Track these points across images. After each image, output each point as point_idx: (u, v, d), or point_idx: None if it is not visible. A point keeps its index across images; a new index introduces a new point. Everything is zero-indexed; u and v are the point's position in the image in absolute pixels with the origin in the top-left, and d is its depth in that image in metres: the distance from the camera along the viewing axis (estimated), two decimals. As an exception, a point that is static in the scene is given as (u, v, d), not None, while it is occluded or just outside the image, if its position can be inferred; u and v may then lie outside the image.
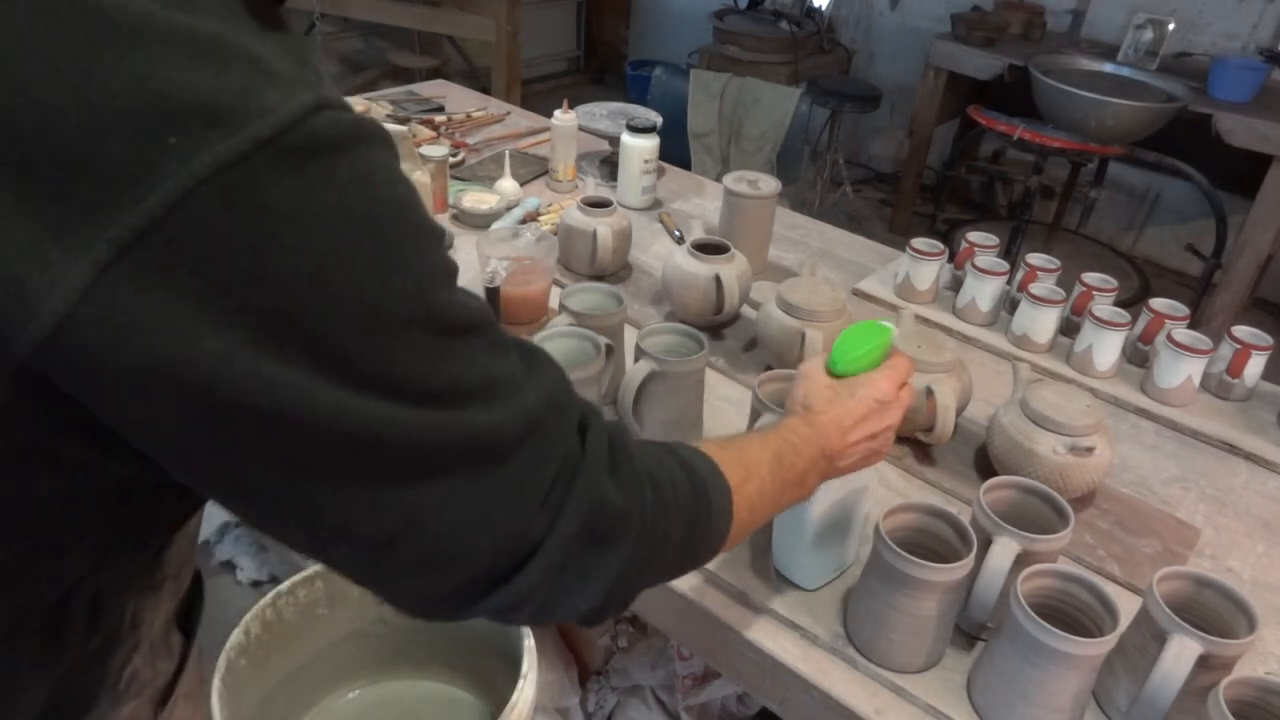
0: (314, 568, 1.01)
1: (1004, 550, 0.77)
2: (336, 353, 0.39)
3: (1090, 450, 0.94)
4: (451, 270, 0.46)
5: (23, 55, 0.34)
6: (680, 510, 0.56)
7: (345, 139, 0.39)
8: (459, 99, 2.08)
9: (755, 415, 0.92)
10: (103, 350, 0.35)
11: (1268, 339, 1.19)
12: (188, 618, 0.67)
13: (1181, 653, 0.69)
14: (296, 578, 0.97)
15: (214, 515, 1.67)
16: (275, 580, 1.54)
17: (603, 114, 1.81)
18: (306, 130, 0.37)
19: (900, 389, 0.78)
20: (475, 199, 1.53)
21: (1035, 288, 1.26)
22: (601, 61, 5.22)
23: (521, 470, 0.47)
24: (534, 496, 0.47)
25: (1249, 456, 1.13)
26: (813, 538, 0.83)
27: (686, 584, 0.88)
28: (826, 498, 0.82)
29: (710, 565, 0.89)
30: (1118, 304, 1.25)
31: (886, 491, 1.01)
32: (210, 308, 0.36)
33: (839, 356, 0.77)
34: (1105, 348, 1.21)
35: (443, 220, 1.52)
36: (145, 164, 0.34)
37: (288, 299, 0.37)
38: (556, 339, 1.01)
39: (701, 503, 0.58)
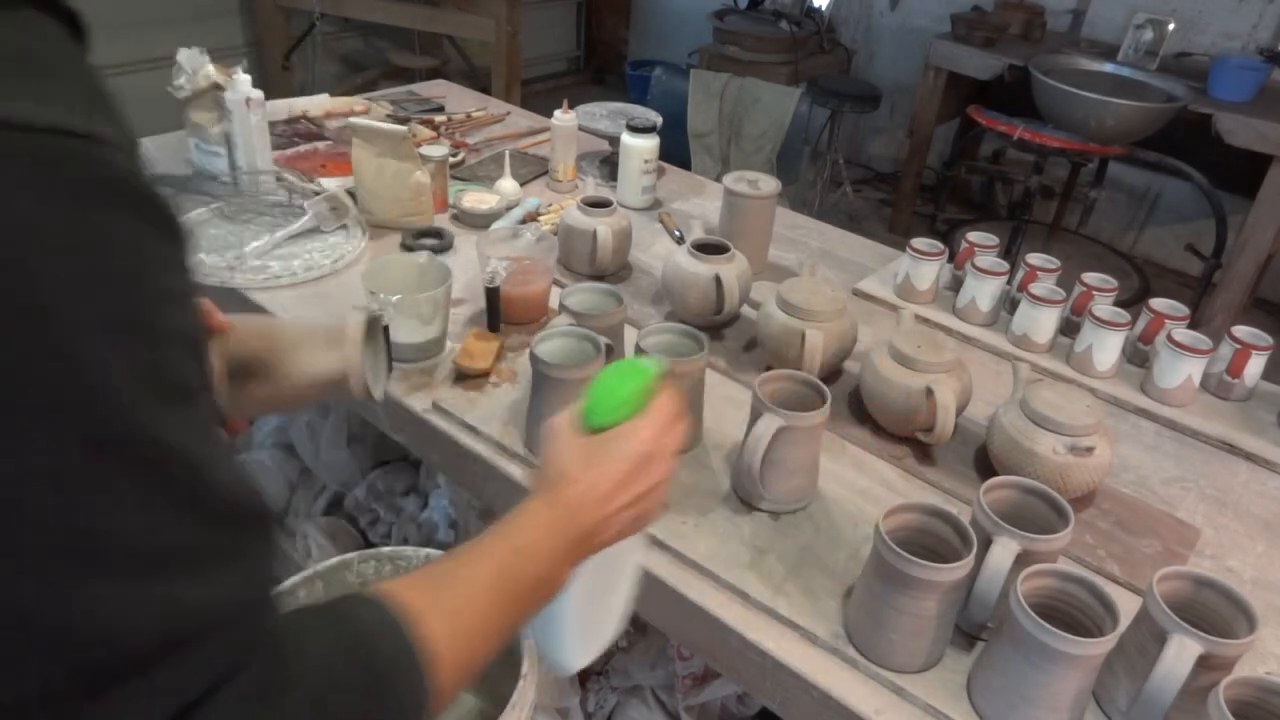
0: (314, 568, 1.01)
1: (1004, 550, 0.77)
2: None
3: (1090, 450, 0.94)
4: (171, 381, 0.37)
5: None
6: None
7: (4, 167, 0.32)
8: (459, 99, 2.08)
9: (755, 415, 0.92)
10: None
11: (1268, 339, 1.19)
12: None
13: (1181, 653, 0.69)
14: (296, 577, 0.97)
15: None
16: (275, 580, 1.54)
17: (603, 114, 1.81)
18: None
19: (666, 435, 0.67)
20: (475, 199, 1.53)
21: (1035, 288, 1.26)
22: (601, 61, 5.22)
23: (142, 699, 0.35)
24: None
25: (1249, 456, 1.13)
26: (573, 616, 0.70)
27: (687, 584, 0.88)
28: (588, 571, 0.68)
29: (710, 565, 0.89)
30: (1118, 304, 1.26)
31: (887, 491, 1.01)
32: None
33: (594, 406, 0.66)
34: (1105, 348, 1.21)
35: (443, 220, 1.52)
36: None
37: None
38: (556, 339, 1.01)
39: (389, 704, 0.47)
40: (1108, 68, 2.97)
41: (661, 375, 0.69)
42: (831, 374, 1.16)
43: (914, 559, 0.73)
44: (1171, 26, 3.05)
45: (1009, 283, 1.33)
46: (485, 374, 1.13)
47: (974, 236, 1.37)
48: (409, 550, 1.03)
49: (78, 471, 0.33)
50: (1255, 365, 1.18)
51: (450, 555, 0.57)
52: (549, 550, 0.60)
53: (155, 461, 0.36)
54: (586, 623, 0.73)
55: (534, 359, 0.96)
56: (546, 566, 0.60)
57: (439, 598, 0.53)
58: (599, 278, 1.35)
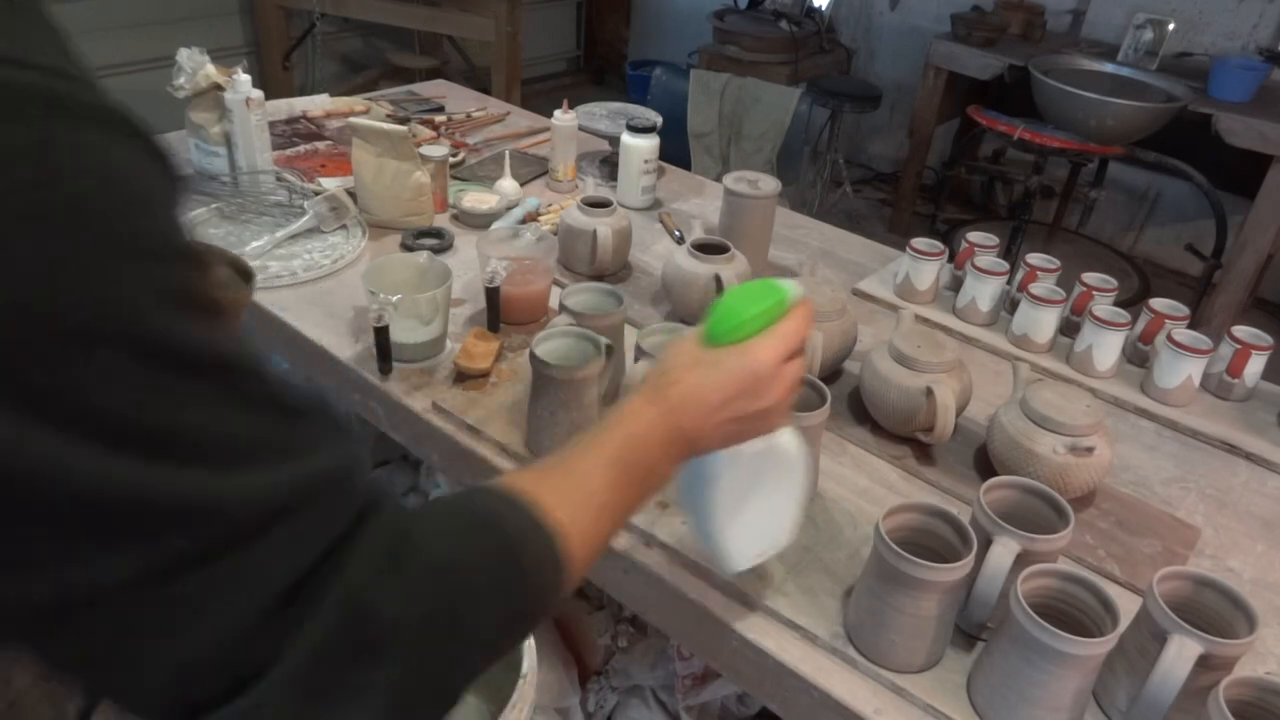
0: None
1: (1004, 550, 0.77)
2: (40, 390, 0.32)
3: (1090, 450, 0.94)
4: (194, 298, 0.37)
5: None
6: (489, 595, 0.47)
7: (27, 105, 0.33)
8: (459, 99, 2.08)
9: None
10: None
11: (1268, 339, 1.19)
12: None
13: (1181, 653, 0.69)
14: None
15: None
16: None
17: (603, 114, 1.81)
18: None
19: (788, 362, 0.65)
20: (475, 199, 1.53)
21: (1035, 288, 1.26)
22: (601, 61, 5.22)
23: (260, 561, 0.38)
24: (269, 597, 0.38)
25: (1249, 456, 1.13)
26: (727, 514, 0.71)
27: (687, 584, 0.88)
28: (736, 462, 0.69)
29: (710, 565, 0.89)
30: (1118, 304, 1.25)
31: (886, 492, 1.01)
32: None
33: (718, 324, 0.64)
34: (1105, 348, 1.21)
35: (443, 220, 1.52)
36: None
37: None
38: (556, 339, 1.01)
39: (517, 570, 0.49)
40: (1108, 68, 2.97)
41: (796, 299, 0.66)
42: (831, 374, 1.16)
43: (914, 559, 0.73)
44: (1171, 26, 3.05)
45: (1009, 283, 1.33)
46: (485, 374, 1.13)
47: (974, 236, 1.37)
48: (409, 550, 1.03)
49: (140, 375, 0.35)
50: (1255, 365, 1.18)
51: (565, 450, 0.59)
52: (657, 441, 0.61)
53: (219, 368, 0.38)
54: (747, 523, 0.73)
55: (534, 359, 0.96)
56: (655, 458, 0.61)
57: (557, 484, 0.55)
58: (599, 278, 1.35)
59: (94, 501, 0.34)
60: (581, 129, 1.67)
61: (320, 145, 1.73)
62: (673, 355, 0.65)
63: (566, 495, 0.54)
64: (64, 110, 0.34)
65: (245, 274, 0.82)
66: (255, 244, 1.36)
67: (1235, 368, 1.18)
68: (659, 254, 1.47)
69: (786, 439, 0.73)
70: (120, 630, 0.36)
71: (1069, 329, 1.30)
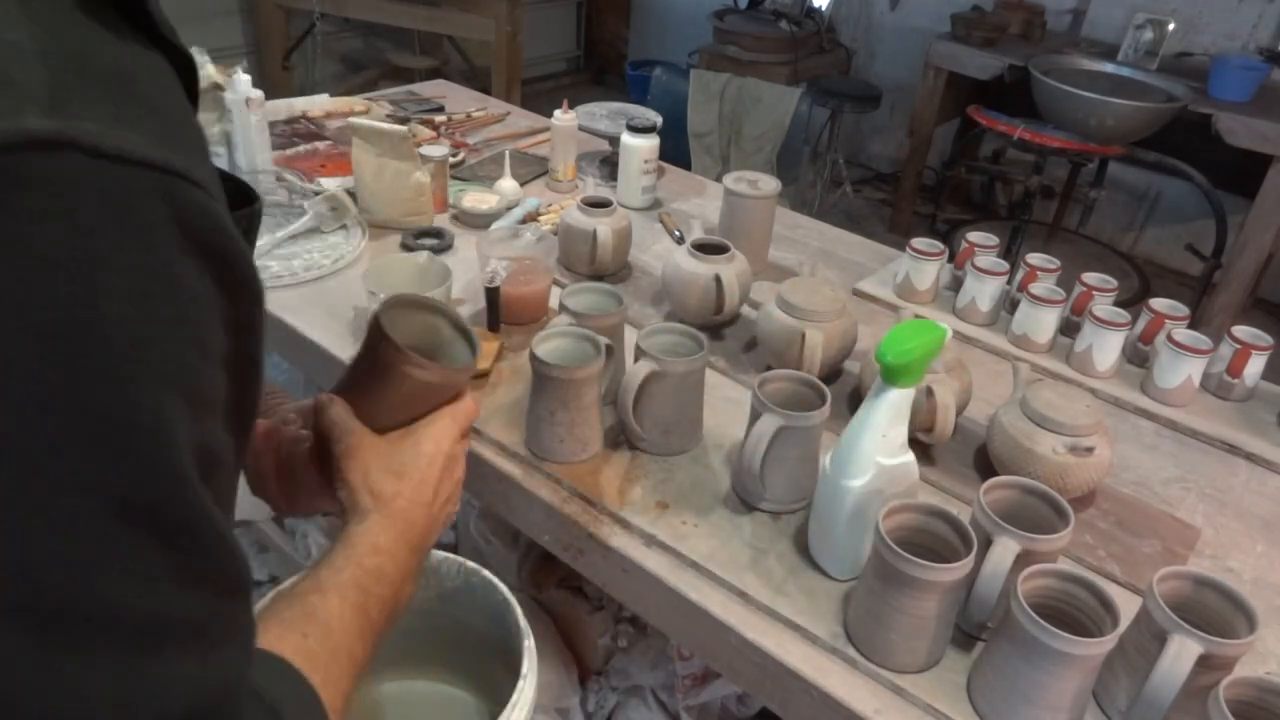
0: (314, 568, 1.01)
1: (1004, 550, 0.77)
2: None
3: (1090, 450, 0.94)
4: (177, 469, 0.33)
5: None
6: None
7: (76, 196, 0.30)
8: (459, 99, 2.08)
9: (755, 415, 0.92)
10: None
11: (1268, 339, 1.19)
12: None
13: (1181, 653, 0.69)
14: (297, 577, 0.97)
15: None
16: (275, 580, 1.54)
17: (603, 114, 1.81)
18: (13, 160, 0.29)
19: (460, 440, 0.69)
20: (475, 199, 1.53)
21: (1035, 288, 1.26)
22: (601, 61, 5.23)
23: None
24: None
25: (1249, 456, 1.13)
26: (845, 531, 0.85)
27: (687, 584, 0.88)
28: (855, 494, 0.83)
29: (710, 565, 0.89)
30: (1118, 304, 1.25)
31: (886, 491, 1.01)
32: None
33: (890, 345, 0.78)
34: (1105, 348, 1.21)
35: (443, 220, 1.52)
36: None
37: None
38: (556, 339, 1.01)
39: None
40: (1108, 68, 2.97)
41: (949, 338, 0.83)
42: (831, 374, 1.16)
43: (914, 559, 0.73)
44: (1171, 26, 3.05)
45: (1009, 283, 1.33)
46: (485, 374, 1.13)
47: (974, 236, 1.37)
48: (409, 550, 1.03)
49: (102, 535, 0.31)
50: (1255, 365, 1.18)
51: (309, 610, 0.55)
52: (397, 567, 0.61)
53: (181, 531, 0.34)
54: (854, 541, 0.86)
55: (534, 359, 0.96)
56: (397, 584, 0.61)
57: (314, 651, 0.52)
58: (599, 278, 1.35)
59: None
60: (581, 129, 1.67)
61: (320, 145, 1.73)
62: (366, 465, 0.64)
63: (329, 668, 0.52)
64: (109, 210, 0.31)
65: (470, 341, 0.71)
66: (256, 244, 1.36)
67: (1235, 368, 1.18)
68: (659, 254, 1.47)
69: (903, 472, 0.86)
70: None
71: (1069, 329, 1.30)
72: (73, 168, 0.30)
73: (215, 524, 0.35)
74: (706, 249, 1.23)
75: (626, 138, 1.58)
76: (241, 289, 0.37)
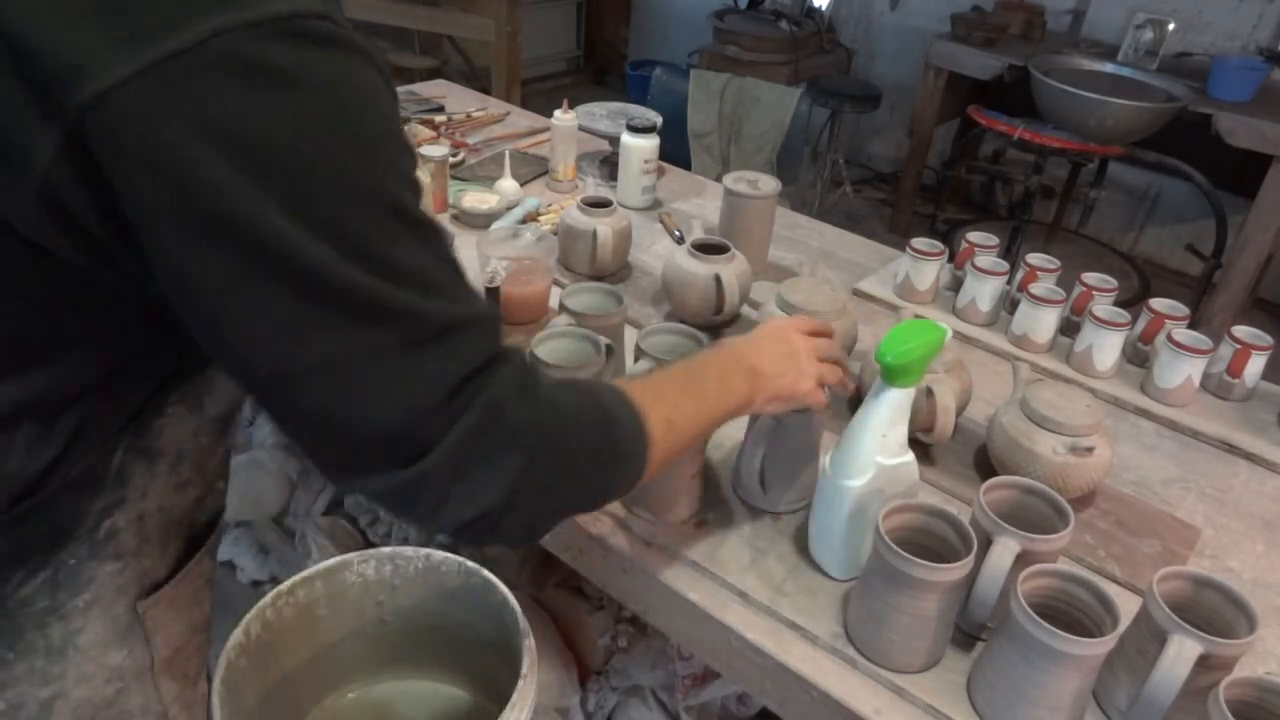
0: (314, 568, 1.01)
1: (1004, 550, 0.77)
2: (324, 215, 0.47)
3: (1090, 450, 0.94)
4: (416, 185, 0.53)
5: None
6: (586, 428, 0.62)
7: (342, 45, 0.48)
8: (459, 99, 2.08)
9: (755, 415, 0.92)
10: (134, 127, 0.43)
11: (1268, 339, 1.19)
12: (195, 541, 0.74)
13: (1181, 653, 0.69)
14: (296, 578, 0.97)
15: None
16: (275, 580, 1.54)
17: (603, 114, 1.81)
18: (311, 24, 0.46)
19: (809, 335, 0.86)
20: (475, 199, 1.53)
21: (1035, 288, 1.26)
22: (601, 61, 5.22)
23: (436, 361, 0.52)
24: (441, 390, 0.52)
25: (1249, 456, 1.13)
26: (845, 532, 0.85)
27: (687, 584, 0.88)
28: (855, 494, 0.84)
29: (710, 565, 0.89)
30: (1118, 304, 1.25)
31: (886, 491, 1.01)
32: (223, 147, 0.45)
33: (889, 344, 0.79)
34: (1105, 348, 1.21)
35: (443, 220, 1.52)
36: (185, 8, 0.44)
37: (287, 156, 0.46)
38: (556, 339, 1.01)
39: (609, 422, 0.63)
40: (1108, 68, 2.97)
41: (949, 337, 0.85)
42: (831, 374, 1.16)
43: (914, 559, 0.73)
44: (1171, 26, 3.05)
45: (1009, 283, 1.33)
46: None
47: (974, 236, 1.37)
48: (409, 550, 1.02)
49: (380, 223, 0.50)
50: (1255, 365, 1.18)
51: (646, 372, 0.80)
52: (719, 362, 0.78)
53: (432, 233, 0.54)
54: (852, 542, 0.87)
55: (534, 359, 0.96)
56: (720, 370, 0.77)
57: (636, 385, 0.69)
58: (599, 278, 1.35)
59: (321, 288, 0.48)
60: (581, 129, 1.67)
61: (320, 145, 1.73)
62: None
63: (645, 393, 0.68)
64: (353, 50, 0.49)
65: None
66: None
67: (1235, 368, 1.18)
68: (659, 254, 1.47)
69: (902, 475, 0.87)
70: (336, 397, 0.51)
71: (1069, 329, 1.30)
72: (338, 30, 0.48)
73: (439, 227, 0.55)
74: (706, 249, 1.23)
75: (626, 138, 1.58)
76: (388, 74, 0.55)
